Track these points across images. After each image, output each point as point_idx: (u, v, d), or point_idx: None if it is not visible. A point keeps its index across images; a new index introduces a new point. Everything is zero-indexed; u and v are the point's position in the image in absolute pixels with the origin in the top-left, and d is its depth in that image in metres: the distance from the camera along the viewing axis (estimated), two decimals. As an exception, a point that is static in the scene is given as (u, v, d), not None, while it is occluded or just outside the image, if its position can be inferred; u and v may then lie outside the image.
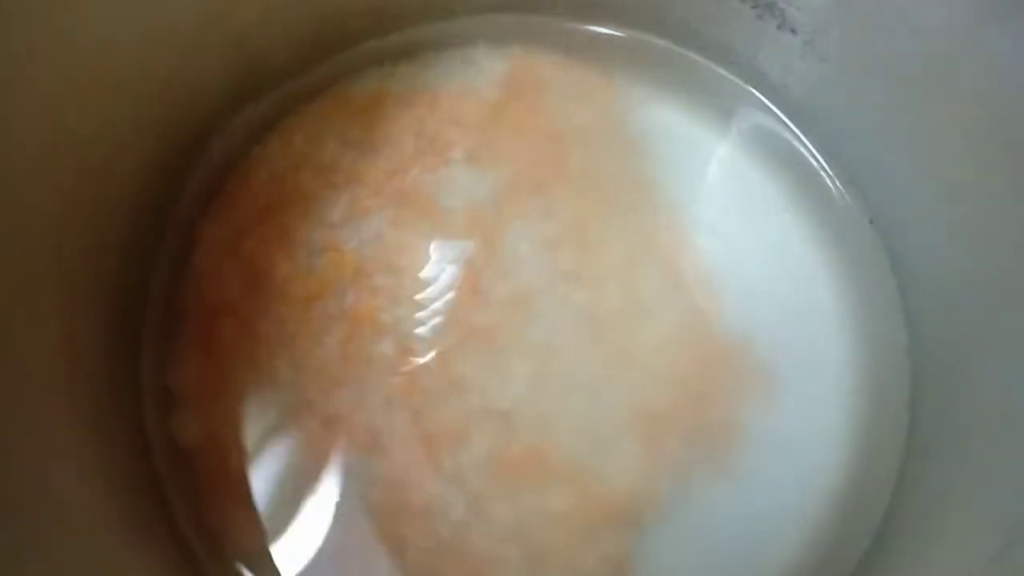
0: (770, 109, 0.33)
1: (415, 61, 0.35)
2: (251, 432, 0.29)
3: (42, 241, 0.23)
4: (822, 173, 0.32)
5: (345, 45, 0.34)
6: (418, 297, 0.30)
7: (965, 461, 0.25)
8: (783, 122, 0.33)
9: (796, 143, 0.33)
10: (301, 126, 0.33)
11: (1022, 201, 0.23)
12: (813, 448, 0.28)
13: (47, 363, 0.23)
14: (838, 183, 0.32)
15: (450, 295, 0.30)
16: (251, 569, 0.28)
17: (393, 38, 0.35)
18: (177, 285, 0.31)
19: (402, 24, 0.35)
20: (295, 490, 0.28)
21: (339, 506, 0.28)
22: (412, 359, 0.29)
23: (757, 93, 0.34)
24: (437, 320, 0.30)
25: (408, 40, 0.35)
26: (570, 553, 0.27)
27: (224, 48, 0.30)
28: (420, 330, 0.30)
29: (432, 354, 0.29)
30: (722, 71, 0.34)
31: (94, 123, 0.25)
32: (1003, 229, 0.24)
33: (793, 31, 0.29)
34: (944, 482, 0.25)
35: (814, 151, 0.33)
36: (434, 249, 0.31)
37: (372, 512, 0.28)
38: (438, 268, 0.31)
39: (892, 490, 0.28)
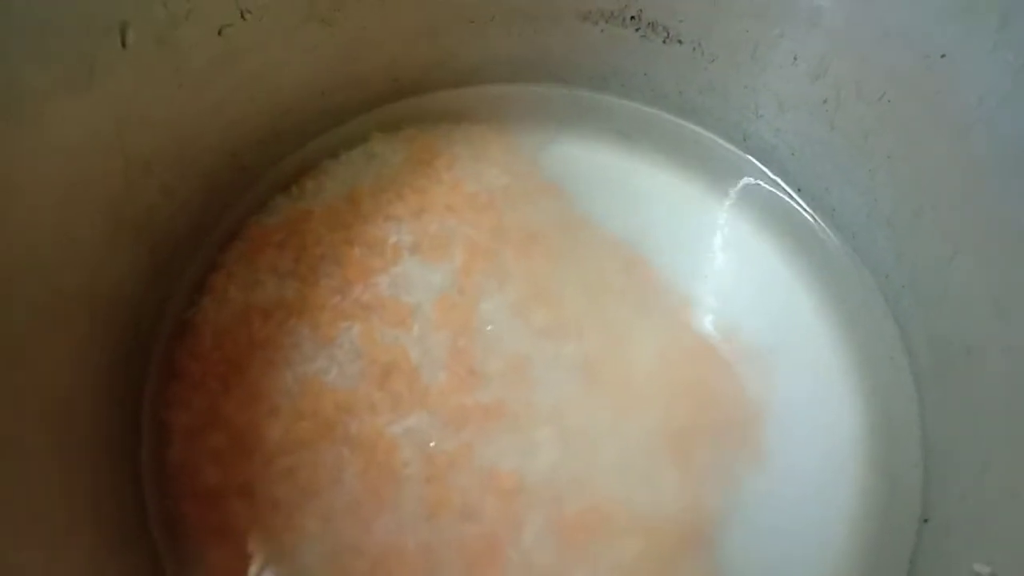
0: (667, 119, 0.35)
1: (320, 174, 0.34)
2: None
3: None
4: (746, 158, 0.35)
5: (245, 182, 0.33)
6: (419, 399, 0.29)
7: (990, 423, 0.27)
8: (682, 126, 0.35)
9: (705, 140, 0.35)
10: (228, 277, 0.32)
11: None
12: (829, 414, 0.30)
13: None
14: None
15: (449, 386, 0.30)
16: None
17: (289, 160, 0.34)
18: (164, 484, 0.28)
19: (294, 144, 0.34)
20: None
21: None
22: (438, 463, 0.29)
23: (648, 108, 0.35)
24: (446, 414, 0.29)
25: (305, 156, 0.34)
26: (658, 591, 0.28)
27: (131, 236, 0.28)
28: (434, 431, 0.29)
29: (455, 449, 0.29)
30: (612, 98, 0.35)
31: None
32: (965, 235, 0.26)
33: (679, 41, 0.31)
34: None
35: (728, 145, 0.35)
36: (416, 348, 0.30)
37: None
38: (427, 364, 0.30)
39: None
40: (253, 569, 0.27)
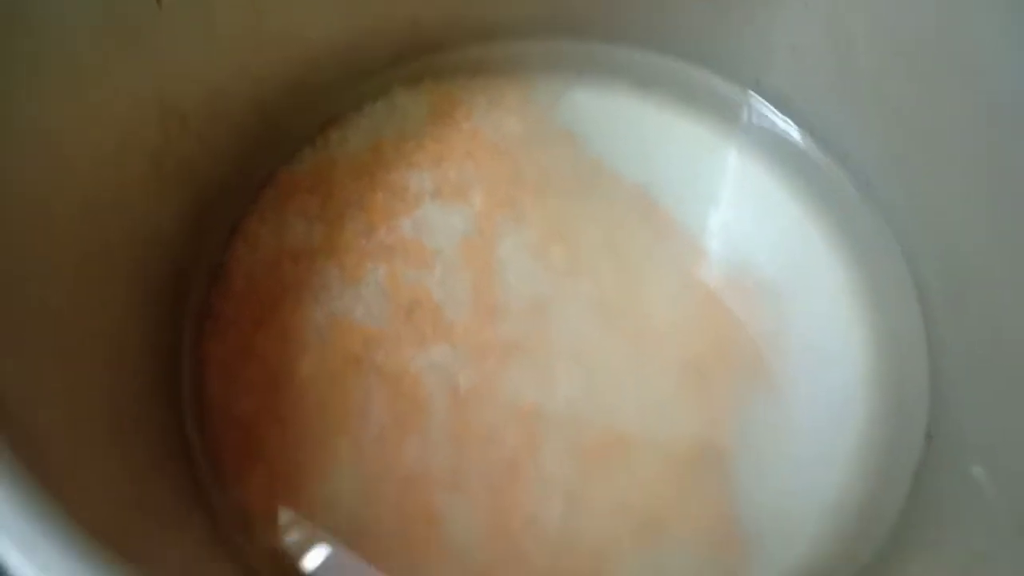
0: (680, 67, 0.36)
1: (344, 126, 0.35)
2: (335, 515, 0.28)
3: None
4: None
5: (274, 133, 0.34)
6: (443, 334, 0.31)
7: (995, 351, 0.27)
8: (695, 73, 0.36)
9: (717, 87, 0.36)
10: (260, 222, 0.33)
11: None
12: (840, 346, 0.31)
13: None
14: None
15: (471, 322, 0.31)
16: None
17: (315, 113, 0.35)
18: (203, 414, 0.30)
19: (319, 98, 0.35)
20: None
21: (448, 546, 0.28)
22: (461, 393, 0.30)
23: (661, 58, 0.36)
24: (469, 349, 0.31)
25: (330, 109, 0.36)
26: (673, 510, 0.29)
27: (172, 185, 0.29)
28: (457, 364, 0.30)
29: (478, 382, 0.30)
30: (626, 49, 0.36)
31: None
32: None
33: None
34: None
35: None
36: (439, 287, 0.32)
37: (481, 541, 0.28)
38: (449, 302, 0.32)
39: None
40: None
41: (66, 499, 0.16)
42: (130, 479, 0.24)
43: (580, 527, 0.28)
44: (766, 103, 0.35)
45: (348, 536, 0.28)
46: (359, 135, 0.35)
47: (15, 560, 0.14)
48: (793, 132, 0.35)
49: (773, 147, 0.34)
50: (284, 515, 0.28)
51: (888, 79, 0.29)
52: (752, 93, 0.35)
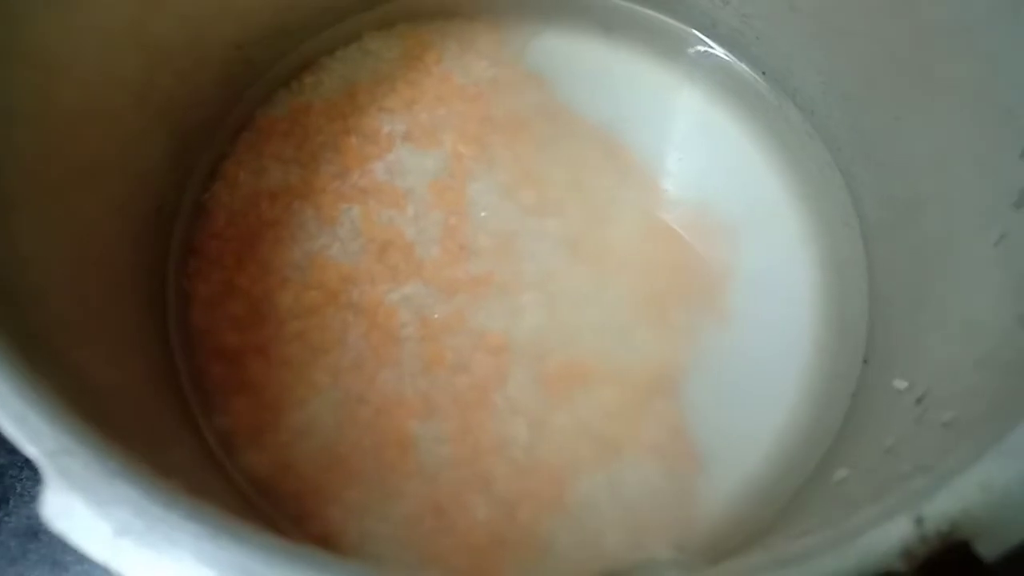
0: (642, 12, 0.37)
1: (319, 70, 0.36)
2: (313, 439, 0.30)
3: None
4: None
5: (251, 76, 0.35)
6: (415, 271, 0.33)
7: (926, 270, 0.29)
8: (656, 17, 0.37)
9: (677, 30, 0.37)
10: (238, 164, 0.35)
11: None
12: (789, 277, 0.33)
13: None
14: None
15: (442, 259, 0.33)
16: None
17: (291, 58, 0.36)
18: (189, 345, 0.32)
19: (295, 41, 0.36)
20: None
21: (419, 469, 0.30)
22: (433, 325, 0.32)
23: (624, 2, 0.37)
24: (440, 284, 0.32)
25: (304, 53, 0.37)
26: (631, 432, 0.31)
27: (155, 119, 0.31)
28: (429, 298, 0.32)
29: (448, 314, 0.32)
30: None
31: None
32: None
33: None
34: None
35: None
36: (411, 227, 0.33)
37: (451, 464, 0.30)
38: (421, 241, 0.33)
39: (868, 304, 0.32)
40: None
41: (63, 385, 0.17)
42: (126, 395, 0.26)
43: (544, 450, 0.30)
44: (721, 46, 0.36)
45: (325, 460, 0.30)
46: (333, 79, 0.36)
47: (9, 430, 0.16)
48: (747, 72, 0.36)
49: (729, 87, 0.36)
50: (266, 440, 0.30)
51: (830, 12, 0.30)
52: (708, 36, 0.37)
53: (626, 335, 0.32)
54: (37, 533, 0.32)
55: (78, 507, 0.15)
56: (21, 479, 0.33)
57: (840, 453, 0.27)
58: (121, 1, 0.27)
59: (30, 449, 0.16)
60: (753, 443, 0.31)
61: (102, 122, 0.27)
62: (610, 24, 0.38)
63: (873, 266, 0.31)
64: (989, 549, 0.15)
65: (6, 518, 0.32)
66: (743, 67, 0.36)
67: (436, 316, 0.32)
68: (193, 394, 0.31)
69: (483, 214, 0.34)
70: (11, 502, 0.33)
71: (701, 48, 0.37)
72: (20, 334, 0.18)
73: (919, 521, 0.15)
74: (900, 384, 0.25)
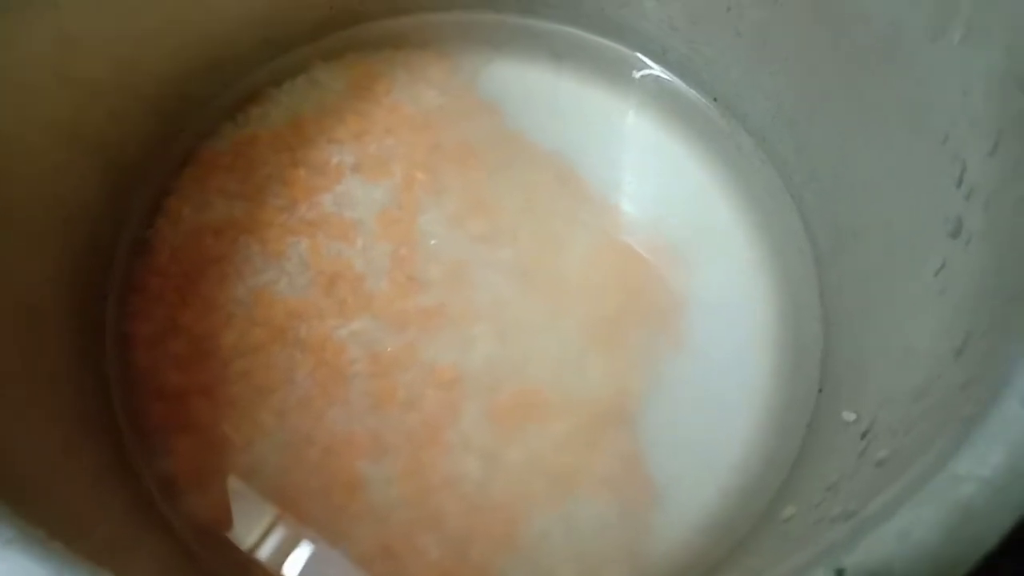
0: (592, 39, 0.37)
1: (265, 102, 0.36)
2: (259, 481, 0.30)
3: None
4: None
5: (192, 109, 0.35)
6: (364, 304, 0.32)
7: (871, 296, 0.29)
8: (606, 44, 0.37)
9: (627, 57, 0.37)
10: (181, 199, 0.34)
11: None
12: (744, 302, 0.33)
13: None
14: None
15: (392, 292, 0.32)
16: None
17: (234, 89, 0.36)
18: (129, 386, 0.31)
19: (238, 73, 0.36)
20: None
21: (369, 510, 0.29)
22: (382, 360, 0.31)
23: (573, 29, 0.37)
24: (390, 318, 0.32)
25: (249, 85, 0.36)
26: (585, 465, 0.30)
27: (85, 156, 0.30)
28: (379, 332, 0.32)
29: (399, 348, 0.31)
30: (540, 21, 0.37)
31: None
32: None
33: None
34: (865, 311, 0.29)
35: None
36: (360, 259, 0.33)
37: (402, 504, 0.29)
38: (371, 273, 0.33)
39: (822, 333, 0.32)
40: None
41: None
42: (55, 449, 0.25)
43: (495, 487, 0.30)
44: (671, 71, 0.36)
45: (273, 502, 0.29)
46: (280, 110, 0.36)
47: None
48: (696, 97, 0.36)
49: (679, 113, 0.36)
50: (210, 483, 0.29)
51: (772, 38, 0.30)
52: (657, 62, 0.36)
53: (580, 363, 0.32)
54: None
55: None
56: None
57: (790, 489, 0.27)
58: (38, 40, 0.26)
59: None
60: (709, 474, 0.30)
61: (21, 158, 0.26)
62: (560, 51, 0.37)
63: (824, 292, 0.31)
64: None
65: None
66: (693, 93, 0.36)
67: (388, 350, 0.31)
68: (132, 436, 0.30)
69: (433, 242, 0.33)
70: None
71: (651, 73, 0.37)
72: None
73: (839, 573, 0.15)
74: (849, 416, 0.24)
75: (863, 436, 0.22)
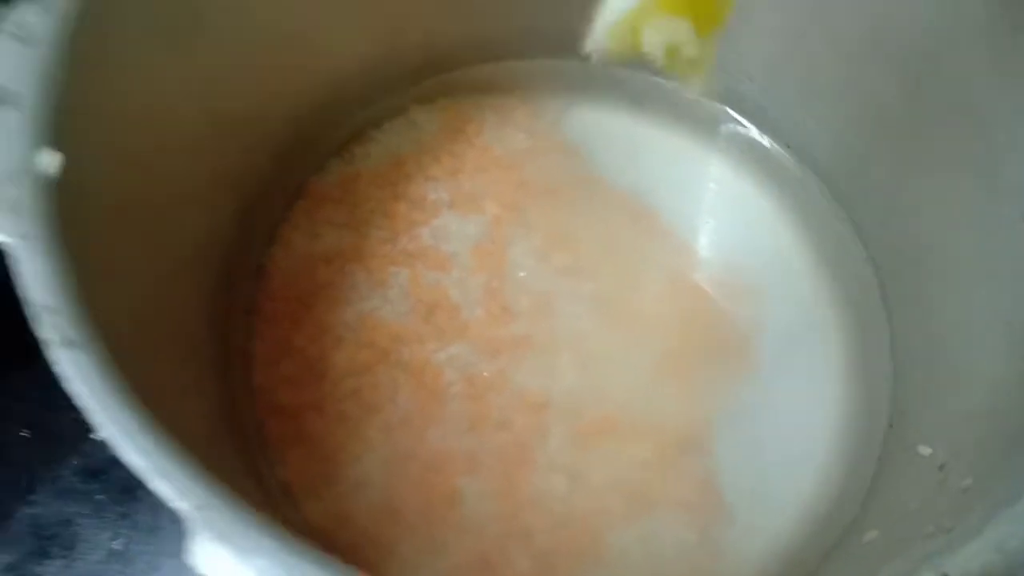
0: (671, 87, 0.40)
1: (367, 142, 0.39)
2: (368, 492, 0.32)
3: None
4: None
5: (307, 146, 0.38)
6: (460, 331, 0.35)
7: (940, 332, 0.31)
8: (678, 90, 0.40)
9: (704, 104, 0.40)
10: (294, 229, 0.37)
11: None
12: (813, 336, 0.35)
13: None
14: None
15: (485, 320, 0.35)
16: None
17: (341, 129, 0.39)
18: (250, 402, 0.34)
19: (344, 114, 0.39)
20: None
21: (463, 524, 0.32)
22: (477, 384, 0.34)
23: (654, 77, 0.40)
24: (483, 344, 0.35)
25: (354, 125, 0.39)
26: (661, 487, 0.33)
27: (223, 187, 0.33)
28: (473, 357, 0.34)
29: (492, 373, 0.34)
30: (622, 69, 0.40)
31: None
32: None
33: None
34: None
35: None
36: (456, 289, 0.36)
37: (495, 518, 0.32)
38: (465, 302, 0.35)
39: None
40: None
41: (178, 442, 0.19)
42: (211, 449, 0.28)
43: (579, 503, 0.32)
44: (744, 117, 0.39)
45: (379, 513, 0.32)
46: (380, 150, 0.39)
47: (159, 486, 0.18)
48: (768, 142, 0.39)
49: (751, 156, 0.39)
50: (323, 491, 0.32)
51: (846, 86, 0.33)
52: (731, 109, 0.39)
53: (655, 392, 0.34)
54: (101, 577, 0.34)
55: (224, 556, 0.17)
56: (86, 527, 0.35)
57: (869, 515, 0.29)
58: (188, 73, 0.29)
59: (180, 504, 0.18)
60: (782, 502, 0.33)
61: (181, 193, 0.29)
62: (638, 97, 0.40)
63: (894, 328, 0.33)
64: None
65: (73, 563, 0.34)
66: (764, 137, 0.39)
67: (484, 374, 0.34)
68: (255, 447, 0.33)
69: (522, 274, 0.36)
70: (77, 548, 0.35)
71: (725, 119, 0.40)
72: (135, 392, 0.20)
73: (943, 576, 0.17)
74: (925, 450, 0.27)
75: (941, 468, 0.25)
